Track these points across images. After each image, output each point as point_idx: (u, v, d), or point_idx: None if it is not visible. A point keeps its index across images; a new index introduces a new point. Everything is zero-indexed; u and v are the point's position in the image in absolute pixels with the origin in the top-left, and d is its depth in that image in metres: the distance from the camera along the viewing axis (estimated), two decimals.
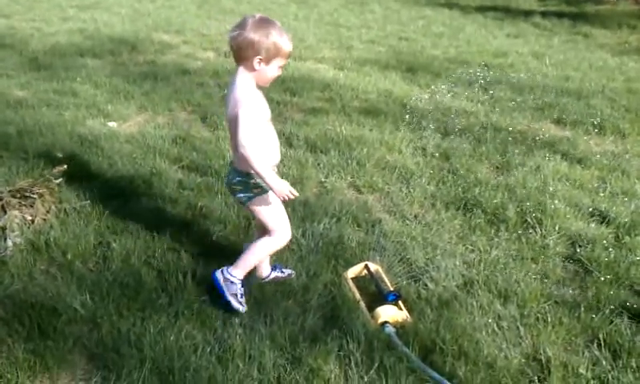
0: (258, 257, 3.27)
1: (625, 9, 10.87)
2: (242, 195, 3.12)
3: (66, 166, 4.46)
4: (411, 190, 4.47)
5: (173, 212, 4.07)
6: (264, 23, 2.91)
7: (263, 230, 3.28)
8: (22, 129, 5.46)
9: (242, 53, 2.93)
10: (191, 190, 4.43)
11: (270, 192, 3.06)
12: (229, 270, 3.20)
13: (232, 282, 3.17)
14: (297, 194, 2.92)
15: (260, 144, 2.96)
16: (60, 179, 4.34)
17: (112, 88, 6.73)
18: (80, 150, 5.06)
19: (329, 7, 11.61)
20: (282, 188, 2.90)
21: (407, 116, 5.87)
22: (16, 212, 3.91)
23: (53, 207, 4.05)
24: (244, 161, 2.92)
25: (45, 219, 3.94)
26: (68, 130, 5.47)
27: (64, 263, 3.54)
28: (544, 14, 10.79)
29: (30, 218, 3.91)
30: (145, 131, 5.54)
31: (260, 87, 3.04)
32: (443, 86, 6.84)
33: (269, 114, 3.10)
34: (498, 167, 4.91)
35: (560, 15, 10.64)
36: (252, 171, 2.97)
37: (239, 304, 3.14)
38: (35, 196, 4.05)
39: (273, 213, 3.18)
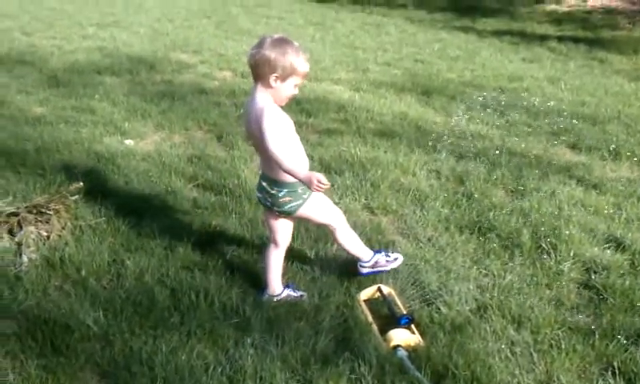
0: (356, 243, 3.50)
1: None
2: (292, 205, 3.23)
3: (82, 183, 4.50)
4: (425, 213, 4.46)
5: (187, 230, 4.08)
6: (282, 42, 3.02)
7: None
8: (39, 145, 5.53)
9: (259, 70, 3.02)
10: (206, 209, 4.45)
11: (314, 193, 3.19)
12: (362, 262, 3.48)
13: (375, 263, 3.49)
14: (327, 183, 2.95)
15: (293, 155, 3.06)
16: (76, 196, 4.38)
17: (129, 106, 6.79)
18: (97, 168, 5.11)
19: (345, 29, 11.68)
20: (311, 179, 2.94)
21: (422, 138, 5.87)
22: (32, 228, 3.95)
23: (68, 224, 4.09)
24: (278, 165, 3.01)
25: (60, 236, 3.98)
26: (85, 148, 5.53)
27: (78, 280, 3.57)
28: (560, 39, 10.79)
29: (45, 234, 3.95)
30: (161, 149, 5.58)
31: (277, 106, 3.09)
32: (458, 110, 6.84)
33: (293, 126, 3.16)
34: (512, 191, 4.89)
35: (576, 40, 10.63)
36: (287, 173, 3.05)
37: (394, 257, 3.56)
38: (51, 212, 4.09)
39: (323, 209, 3.36)
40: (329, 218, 3.38)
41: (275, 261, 3.44)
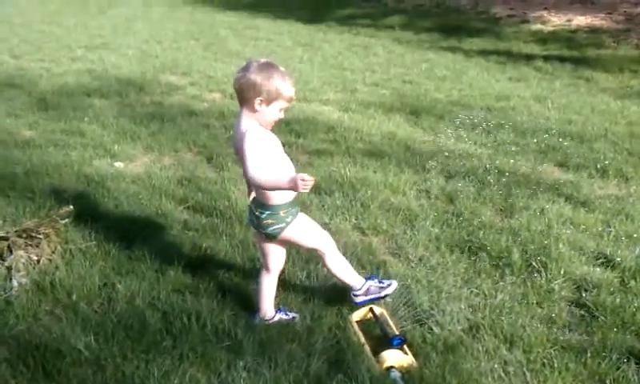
0: (345, 270, 3.42)
1: (626, 53, 10.98)
2: (274, 228, 3.20)
3: (72, 207, 4.48)
4: (415, 233, 4.48)
5: (178, 253, 4.07)
6: (267, 67, 3.05)
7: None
8: (29, 169, 5.51)
9: (244, 94, 3.05)
10: (196, 231, 4.45)
11: (299, 215, 3.23)
12: (354, 291, 3.40)
13: (368, 290, 3.40)
14: (311, 178, 2.87)
15: (280, 172, 3.04)
16: (66, 220, 4.36)
17: (119, 128, 6.79)
18: (86, 191, 5.10)
19: (333, 50, 11.75)
20: (295, 181, 2.85)
21: (411, 158, 5.90)
22: (22, 252, 3.92)
23: (59, 247, 4.07)
24: (259, 187, 3.03)
25: (50, 260, 3.96)
26: (75, 171, 5.52)
27: (69, 304, 3.55)
28: (546, 58, 10.91)
29: (35, 258, 3.93)
30: (151, 172, 5.58)
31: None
32: (447, 129, 6.89)
33: (280, 146, 3.17)
34: (502, 210, 4.92)
35: (562, 59, 10.75)
36: (271, 189, 3.05)
37: (387, 284, 3.47)
38: (41, 236, 4.07)
39: (310, 233, 3.32)
40: (316, 243, 3.36)
41: (267, 286, 3.43)
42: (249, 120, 3.07)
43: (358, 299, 3.41)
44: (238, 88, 3.07)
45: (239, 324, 3.36)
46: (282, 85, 3.03)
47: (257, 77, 2.99)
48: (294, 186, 2.86)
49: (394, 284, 3.50)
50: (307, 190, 2.89)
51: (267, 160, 3.02)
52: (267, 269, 3.41)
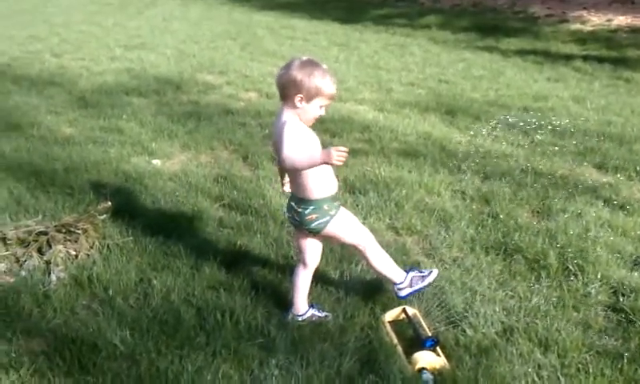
0: (387, 264, 3.41)
1: None
2: (319, 222, 3.23)
3: (110, 203, 4.57)
4: (450, 234, 4.45)
5: (213, 250, 4.12)
6: (308, 64, 3.09)
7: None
8: (68, 165, 5.63)
9: (285, 91, 3.10)
10: (231, 229, 4.49)
11: (342, 209, 3.26)
12: (398, 285, 3.39)
13: (411, 281, 3.40)
14: (345, 149, 2.89)
15: (318, 172, 3.09)
16: (104, 215, 4.45)
17: (156, 126, 6.89)
18: (124, 187, 5.18)
19: (369, 50, 11.73)
20: (329, 153, 2.87)
21: (446, 159, 5.86)
22: (61, 247, 4.01)
23: (96, 243, 4.15)
24: (294, 168, 3.04)
25: (88, 255, 4.04)
26: (113, 167, 5.62)
27: (105, 299, 3.61)
28: (585, 58, 10.72)
29: (74, 253, 4.01)
30: (187, 169, 5.65)
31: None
32: (483, 130, 6.82)
33: (318, 142, 3.19)
34: (538, 212, 4.85)
35: (601, 60, 10.55)
36: (307, 168, 3.04)
37: (428, 272, 3.46)
38: (80, 231, 4.16)
39: (352, 228, 3.33)
40: (358, 237, 3.35)
41: (303, 281, 3.45)
42: (289, 115, 3.11)
43: (403, 293, 3.40)
44: (280, 84, 3.12)
45: (272, 321, 3.38)
46: (322, 82, 3.06)
47: (298, 74, 3.04)
48: (327, 159, 2.87)
49: (435, 272, 3.48)
50: (342, 162, 2.89)
51: (302, 147, 3.04)
52: (304, 264, 3.43)
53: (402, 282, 3.39)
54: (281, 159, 3.02)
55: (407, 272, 3.43)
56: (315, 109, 3.11)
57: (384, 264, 3.40)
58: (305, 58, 3.13)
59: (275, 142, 3.15)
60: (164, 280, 3.75)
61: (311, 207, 3.20)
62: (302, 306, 3.46)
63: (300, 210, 3.23)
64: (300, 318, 3.44)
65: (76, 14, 16.25)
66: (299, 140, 3.04)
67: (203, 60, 10.69)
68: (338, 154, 2.84)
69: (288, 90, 3.08)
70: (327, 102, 3.15)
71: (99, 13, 16.55)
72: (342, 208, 3.32)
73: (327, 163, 2.92)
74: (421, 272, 3.47)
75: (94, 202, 4.76)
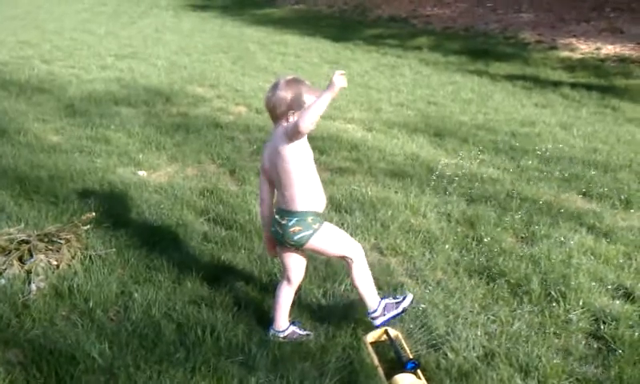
0: (368, 284, 3.39)
1: None
2: (302, 235, 3.21)
3: (94, 213, 4.53)
4: (434, 256, 4.45)
5: (196, 264, 4.10)
6: (294, 82, 3.17)
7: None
8: (53, 173, 5.59)
9: (277, 111, 3.15)
10: (215, 243, 4.47)
11: (325, 223, 3.27)
12: (371, 313, 3.36)
13: (384, 309, 3.36)
14: (342, 72, 2.97)
15: (307, 185, 3.17)
16: (88, 226, 4.41)
17: (144, 137, 6.87)
18: (109, 198, 5.15)
19: (360, 69, 11.78)
20: (332, 82, 2.94)
21: (433, 180, 5.88)
22: (42, 256, 3.98)
23: (79, 253, 4.12)
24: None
25: (70, 265, 4.00)
26: (99, 177, 5.59)
27: (85, 311, 3.58)
28: (573, 86, 10.81)
29: (55, 262, 3.98)
30: (174, 182, 5.63)
31: None
32: (470, 152, 6.86)
33: (311, 156, 3.25)
34: (522, 237, 4.87)
35: (589, 87, 10.64)
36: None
37: (402, 297, 3.43)
38: (62, 241, 4.12)
39: (337, 240, 3.33)
40: (344, 250, 3.33)
41: (285, 297, 3.43)
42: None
43: (377, 322, 3.37)
44: (271, 106, 3.17)
45: (253, 339, 3.37)
46: (311, 98, 3.10)
47: (287, 92, 3.11)
48: (334, 86, 2.92)
49: (410, 296, 3.46)
50: (344, 83, 2.95)
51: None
52: (288, 280, 3.42)
53: (375, 311, 3.36)
54: (302, 128, 2.98)
55: (381, 299, 3.41)
56: None
57: (366, 284, 3.39)
58: (289, 76, 3.20)
59: (269, 160, 3.21)
60: (145, 293, 3.72)
61: (295, 219, 3.20)
62: (282, 323, 3.45)
63: (284, 222, 3.22)
64: (281, 335, 3.43)
65: (68, 21, 16.22)
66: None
67: (194, 72, 10.70)
68: (340, 76, 2.93)
69: (280, 109, 3.13)
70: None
71: (92, 21, 16.54)
72: (325, 223, 3.32)
73: (335, 88, 2.93)
74: (395, 298, 3.45)
75: (77, 211, 4.73)
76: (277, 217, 3.29)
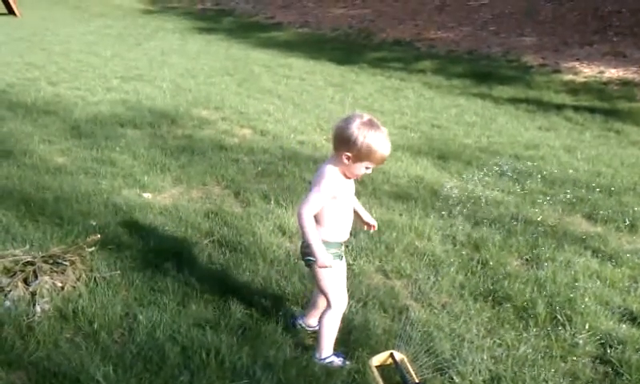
0: (331, 331, 3.42)
1: None
2: (308, 259, 3.27)
3: (99, 236, 4.54)
4: (439, 279, 4.45)
5: (201, 286, 4.09)
6: (368, 126, 3.10)
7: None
8: (59, 195, 5.60)
9: (337, 143, 3.17)
10: (220, 265, 4.47)
11: (339, 263, 3.31)
12: (319, 356, 3.40)
13: (330, 362, 3.40)
14: (330, 266, 3.13)
15: (332, 219, 3.22)
16: (93, 248, 4.42)
17: (149, 159, 6.89)
18: (114, 220, 5.16)
19: (364, 92, 11.83)
20: (324, 260, 3.09)
21: (438, 203, 5.88)
22: (47, 278, 3.98)
23: (83, 275, 4.12)
24: (299, 224, 3.13)
25: (74, 287, 4.00)
26: (104, 199, 5.60)
27: (90, 333, 3.57)
28: (576, 109, 10.85)
29: (60, 284, 3.98)
30: (178, 204, 5.64)
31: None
32: (474, 175, 6.87)
33: (352, 194, 3.32)
34: (528, 260, 4.86)
35: (592, 110, 10.68)
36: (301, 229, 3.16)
37: (342, 364, 3.42)
38: (67, 263, 4.13)
39: (332, 282, 3.33)
40: (332, 294, 3.37)
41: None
42: (331, 166, 3.19)
43: (317, 356, 3.43)
44: (335, 136, 3.17)
45: (258, 362, 3.35)
46: (375, 148, 3.09)
47: (354, 133, 3.06)
48: (317, 260, 3.10)
49: (347, 365, 3.44)
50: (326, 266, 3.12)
51: (323, 205, 3.16)
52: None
53: (323, 358, 3.42)
54: (298, 210, 3.12)
55: (333, 354, 3.44)
56: (361, 169, 3.17)
57: (330, 333, 3.42)
58: (366, 117, 3.13)
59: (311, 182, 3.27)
60: (150, 316, 3.71)
61: (307, 242, 3.23)
62: (312, 320, 3.64)
63: (303, 240, 3.27)
64: (311, 329, 3.64)
65: (75, 44, 16.34)
66: (324, 197, 3.14)
67: (199, 95, 10.75)
68: (323, 266, 3.10)
69: (340, 144, 3.13)
70: (375, 165, 3.19)
71: (98, 43, 16.66)
72: (340, 263, 3.36)
73: (317, 260, 3.11)
74: (344, 363, 3.44)
75: (82, 233, 4.73)
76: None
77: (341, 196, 3.22)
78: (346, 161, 3.11)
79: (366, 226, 3.58)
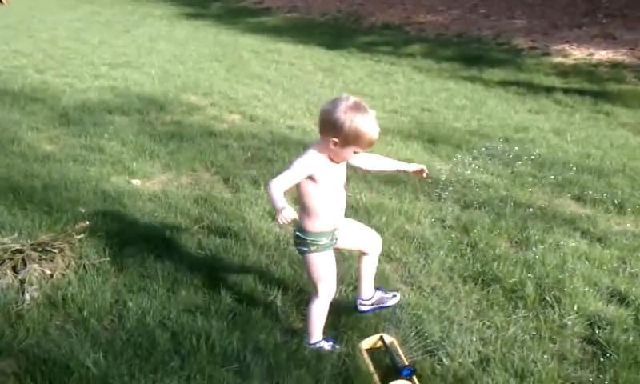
0: (319, 318, 3.41)
1: None
2: (299, 247, 3.30)
3: (88, 223, 4.52)
4: (429, 262, 4.46)
5: (190, 273, 4.09)
6: (355, 109, 3.03)
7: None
8: (47, 183, 5.58)
9: (323, 128, 3.09)
10: (209, 251, 4.46)
11: (325, 253, 3.27)
12: (308, 341, 3.39)
13: (320, 346, 3.39)
14: (289, 219, 2.86)
15: (320, 206, 3.17)
16: (82, 235, 4.40)
17: (138, 146, 6.86)
18: (103, 207, 5.14)
19: (354, 76, 11.80)
20: (277, 211, 2.86)
21: (427, 186, 5.89)
22: (36, 265, 3.96)
23: (72, 262, 4.10)
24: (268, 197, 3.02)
25: (63, 274, 3.99)
26: (92, 186, 5.57)
27: (79, 320, 3.57)
28: (566, 91, 10.86)
29: (49, 272, 3.96)
30: (167, 190, 5.62)
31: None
32: (464, 159, 6.87)
33: (341, 180, 3.27)
34: (517, 242, 4.88)
35: (582, 93, 10.69)
36: (305, 222, 3.20)
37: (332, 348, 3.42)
38: (56, 250, 4.11)
39: (322, 272, 3.31)
40: (321, 284, 3.34)
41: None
42: (315, 150, 3.13)
43: (306, 341, 3.43)
44: (321, 119, 3.10)
45: (248, 347, 3.36)
46: (363, 132, 3.03)
47: (340, 117, 2.99)
48: (276, 211, 2.88)
49: (337, 348, 3.44)
50: (280, 224, 2.89)
51: (294, 182, 3.09)
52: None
53: (309, 343, 3.41)
54: (268, 186, 3.02)
55: (323, 339, 3.44)
56: (348, 153, 3.12)
57: (317, 320, 3.41)
58: (353, 100, 3.06)
59: None
60: (139, 302, 3.71)
61: (297, 232, 3.28)
62: (365, 291, 3.66)
63: (295, 229, 3.29)
64: (367, 302, 3.66)
65: (62, 31, 16.21)
66: (297, 173, 3.07)
67: (188, 81, 10.70)
68: (280, 216, 2.83)
69: (326, 129, 3.06)
70: (362, 150, 3.13)
71: (86, 30, 16.53)
72: (329, 251, 3.31)
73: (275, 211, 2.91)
74: (332, 344, 3.45)
75: (71, 221, 4.71)
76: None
77: (324, 180, 3.15)
78: (332, 146, 3.06)
79: (418, 175, 3.62)
